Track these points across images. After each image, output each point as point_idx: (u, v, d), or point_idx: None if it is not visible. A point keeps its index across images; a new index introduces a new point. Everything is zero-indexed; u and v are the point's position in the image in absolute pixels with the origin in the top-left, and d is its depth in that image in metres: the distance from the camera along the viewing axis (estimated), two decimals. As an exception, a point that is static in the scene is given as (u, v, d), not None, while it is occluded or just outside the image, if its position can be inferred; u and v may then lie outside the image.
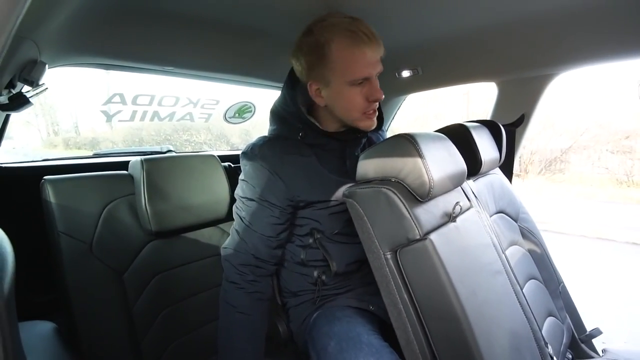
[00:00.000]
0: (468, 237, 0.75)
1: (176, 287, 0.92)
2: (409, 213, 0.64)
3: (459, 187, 0.85)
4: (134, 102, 1.18)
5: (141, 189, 0.85)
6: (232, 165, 1.17)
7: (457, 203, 0.73)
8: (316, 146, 0.94)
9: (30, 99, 0.68)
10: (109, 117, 1.18)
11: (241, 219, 0.94)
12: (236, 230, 0.94)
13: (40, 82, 0.70)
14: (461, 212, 0.76)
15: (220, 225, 1.04)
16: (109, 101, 1.12)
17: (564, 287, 1.20)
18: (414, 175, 0.65)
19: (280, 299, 1.10)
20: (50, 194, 0.76)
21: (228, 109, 1.50)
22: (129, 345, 0.82)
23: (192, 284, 0.94)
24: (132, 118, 1.27)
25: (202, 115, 1.46)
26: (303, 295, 1.00)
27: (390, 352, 0.75)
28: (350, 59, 0.83)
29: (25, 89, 0.69)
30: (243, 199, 0.94)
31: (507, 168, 1.28)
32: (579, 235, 4.58)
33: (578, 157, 8.29)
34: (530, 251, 1.14)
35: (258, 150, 0.92)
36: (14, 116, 0.89)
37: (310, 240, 0.95)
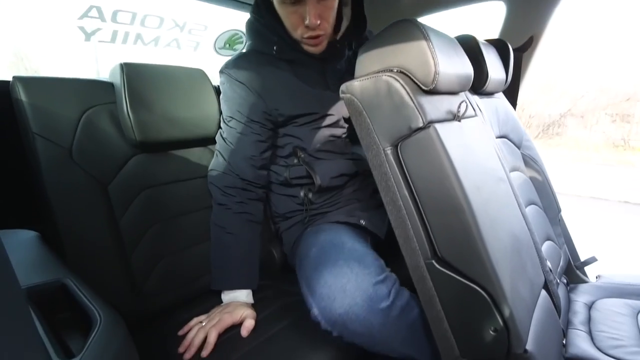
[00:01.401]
0: (473, 140, 0.71)
1: (165, 205, 0.88)
2: (412, 101, 0.59)
3: (464, 96, 0.80)
4: (113, 18, 1.09)
5: (122, 95, 0.79)
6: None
7: (462, 102, 0.68)
8: (293, 62, 0.89)
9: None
10: (87, 35, 1.09)
11: (224, 139, 0.90)
12: (220, 152, 0.91)
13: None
14: (466, 116, 0.71)
15: (211, 147, 0.99)
16: (85, 15, 1.03)
17: (561, 216, 1.19)
18: (418, 61, 0.60)
19: (272, 225, 1.08)
20: (21, 93, 0.70)
21: (218, 38, 1.41)
22: (117, 257, 0.79)
23: (182, 203, 0.91)
24: (114, 40, 1.17)
25: (190, 43, 1.36)
26: (293, 217, 0.97)
27: (375, 258, 0.73)
28: None
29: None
30: (224, 120, 0.91)
31: (511, 94, 1.23)
32: (574, 195, 4.62)
33: (576, 122, 8.23)
34: (531, 178, 1.11)
35: (233, 65, 0.88)
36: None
37: (295, 161, 0.92)
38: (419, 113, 0.58)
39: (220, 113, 0.93)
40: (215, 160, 0.92)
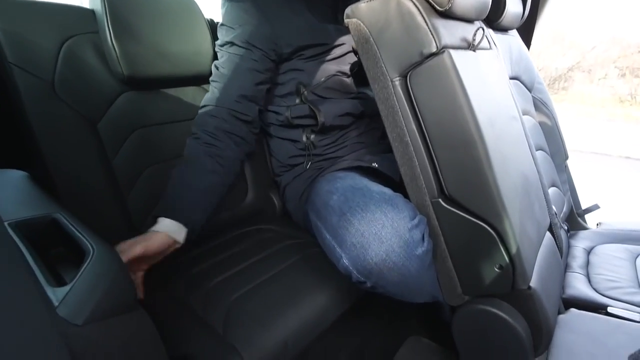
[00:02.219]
0: (487, 73, 0.65)
1: (159, 147, 0.84)
2: (425, 23, 0.53)
3: (480, 27, 0.73)
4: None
5: (105, 24, 0.72)
6: (216, 21, 1.01)
7: (478, 28, 0.61)
8: None
9: None
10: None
11: (217, 68, 0.83)
12: (212, 84, 0.84)
13: None
14: (481, 47, 0.66)
15: (205, 86, 0.93)
16: None
17: (567, 164, 1.16)
18: None
19: (274, 177, 1.05)
20: (-10, 17, 0.63)
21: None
22: (112, 199, 0.76)
23: (177, 145, 0.86)
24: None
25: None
26: (295, 167, 0.93)
27: (406, 200, 0.65)
28: None
29: None
30: (221, 46, 0.83)
31: (526, 34, 1.14)
32: (575, 150, 4.58)
33: (583, 76, 7.96)
34: (541, 123, 1.07)
35: None
36: None
37: (297, 100, 0.86)
38: (433, 36, 0.53)
39: (213, 47, 0.86)
40: (205, 97, 0.84)
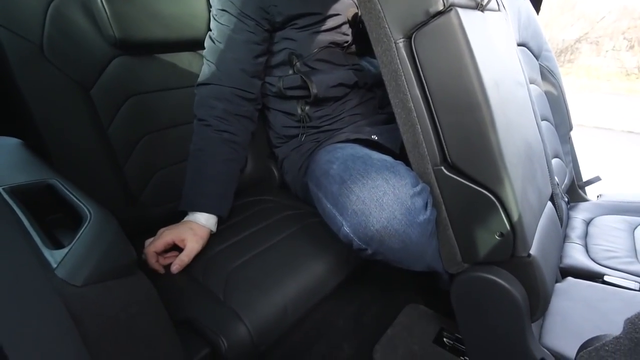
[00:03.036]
0: (495, 35, 0.63)
1: (155, 114, 0.82)
2: None
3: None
4: None
5: (93, -18, 0.68)
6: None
7: None
8: None
9: None
10: None
11: (212, 41, 0.80)
12: (207, 58, 0.81)
13: None
14: (489, 7, 0.62)
15: (201, 52, 0.89)
16: None
17: (571, 135, 1.14)
18: None
19: (272, 149, 1.03)
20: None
21: None
22: (109, 167, 0.75)
23: (174, 113, 0.85)
24: None
25: None
26: (292, 140, 0.92)
27: (407, 168, 0.63)
28: None
29: None
30: (214, 17, 0.80)
31: (536, -1, 1.10)
32: (577, 124, 4.53)
33: (591, 48, 7.73)
34: (547, 92, 1.04)
35: None
36: None
37: (290, 71, 0.84)
38: None
39: (209, 9, 0.83)
40: (202, 70, 0.83)
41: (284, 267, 0.69)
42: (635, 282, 0.77)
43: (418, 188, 0.60)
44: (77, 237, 0.36)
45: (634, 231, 0.95)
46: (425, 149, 0.57)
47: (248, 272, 0.67)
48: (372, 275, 0.89)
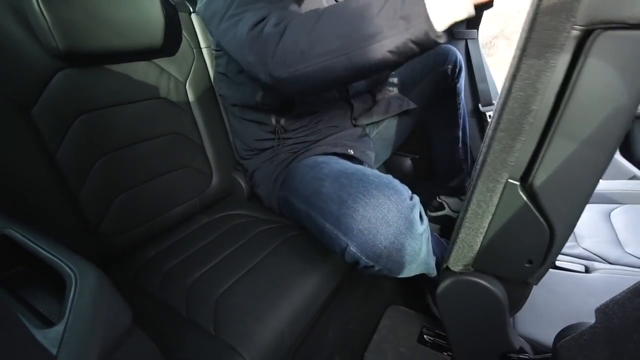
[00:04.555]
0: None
1: (111, 132, 0.73)
2: None
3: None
4: None
5: (26, -16, 0.57)
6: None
7: None
8: None
9: None
10: None
11: (223, 20, 0.68)
12: (235, 39, 0.65)
13: None
14: None
15: (157, 61, 0.81)
16: None
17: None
18: None
19: (240, 160, 0.98)
20: None
21: None
22: (60, 197, 0.66)
23: (130, 131, 0.76)
24: None
25: None
26: (263, 152, 0.88)
27: (400, 183, 0.64)
28: None
29: None
30: (225, 15, 0.68)
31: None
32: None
33: (506, 43, 8.57)
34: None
35: None
36: None
37: None
38: None
39: (164, 13, 0.75)
40: (245, 52, 0.64)
41: (274, 288, 0.66)
42: (580, 264, 0.88)
43: (414, 200, 0.62)
44: (68, 309, 0.30)
45: (609, 217, 1.04)
46: (514, 160, 0.49)
47: (236, 298, 0.64)
48: (353, 282, 0.90)
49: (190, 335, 0.58)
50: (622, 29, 0.37)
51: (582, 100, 0.42)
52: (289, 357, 0.72)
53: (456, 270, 0.61)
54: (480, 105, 1.30)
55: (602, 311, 0.49)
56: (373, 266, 0.61)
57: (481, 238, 0.56)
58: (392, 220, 0.57)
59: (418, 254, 0.60)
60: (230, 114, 0.91)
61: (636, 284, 0.42)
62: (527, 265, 0.54)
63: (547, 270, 0.55)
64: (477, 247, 0.57)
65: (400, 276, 0.65)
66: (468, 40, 1.30)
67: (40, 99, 0.63)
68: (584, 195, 0.47)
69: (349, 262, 0.64)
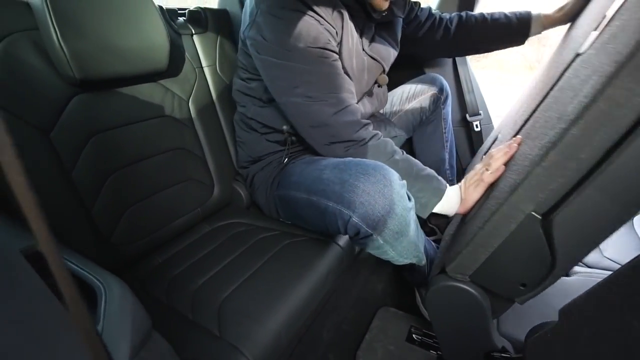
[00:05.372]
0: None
1: (119, 151, 0.79)
2: None
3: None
4: None
5: (47, 21, 0.63)
6: (166, 8, 0.94)
7: None
8: (349, 7, 0.82)
9: None
10: None
11: (293, 89, 0.78)
12: (304, 114, 0.80)
13: None
14: None
15: (162, 82, 0.88)
16: None
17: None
18: None
19: (240, 169, 1.04)
20: None
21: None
22: (76, 212, 0.72)
23: (137, 148, 0.83)
24: None
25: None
26: (267, 157, 0.95)
27: (400, 177, 0.74)
28: None
29: None
30: (282, 63, 0.77)
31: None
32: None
33: (500, 44, 8.66)
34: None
35: None
36: None
37: None
38: None
39: (169, 39, 0.81)
40: (311, 129, 0.82)
41: (272, 292, 0.73)
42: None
43: (403, 181, 0.73)
44: (102, 316, 0.37)
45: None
46: (545, 194, 0.50)
47: (238, 303, 0.70)
48: (346, 285, 0.97)
49: (196, 336, 0.64)
50: None
51: (629, 163, 0.42)
52: (287, 356, 0.78)
53: (452, 276, 0.66)
54: (467, 115, 1.37)
55: (564, 311, 0.55)
56: (371, 234, 0.71)
57: (487, 255, 0.59)
58: (387, 193, 0.68)
59: (408, 225, 0.71)
60: (241, 126, 0.97)
61: (594, 286, 0.48)
62: (520, 287, 0.58)
63: (535, 295, 0.58)
64: (480, 262, 0.60)
65: (394, 253, 0.75)
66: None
67: (58, 123, 0.69)
68: (595, 243, 0.49)
69: (351, 235, 0.74)
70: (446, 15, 1.09)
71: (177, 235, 0.92)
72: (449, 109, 1.18)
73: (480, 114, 1.38)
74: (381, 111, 1.15)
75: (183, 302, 0.71)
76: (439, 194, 0.79)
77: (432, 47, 1.12)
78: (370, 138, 0.80)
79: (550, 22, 0.99)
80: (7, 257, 0.30)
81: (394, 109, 1.15)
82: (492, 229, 0.56)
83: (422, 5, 1.10)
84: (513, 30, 1.02)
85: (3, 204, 0.61)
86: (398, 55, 1.05)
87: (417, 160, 0.83)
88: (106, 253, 0.77)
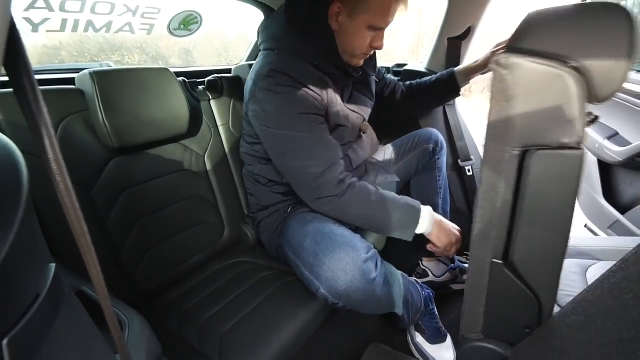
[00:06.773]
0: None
1: (146, 202, 0.95)
2: (579, 111, 0.47)
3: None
4: (62, 8, 1.04)
5: (96, 104, 0.82)
6: (187, 81, 1.13)
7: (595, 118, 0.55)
8: (330, 74, 0.96)
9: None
10: (34, 27, 1.04)
11: (296, 157, 0.89)
12: (296, 171, 0.91)
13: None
14: None
15: (183, 142, 1.05)
16: (31, 6, 0.98)
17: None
18: (607, 62, 0.46)
19: (249, 213, 1.19)
20: (-4, 111, 0.71)
21: (172, 20, 1.37)
22: (107, 256, 0.87)
23: (160, 198, 0.98)
24: (63, 28, 1.12)
25: (143, 27, 1.32)
26: (274, 206, 1.08)
27: (361, 239, 0.86)
28: (387, 6, 0.86)
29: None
30: (287, 137, 0.89)
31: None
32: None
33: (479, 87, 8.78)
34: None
35: (285, 68, 0.88)
36: None
37: None
38: (578, 129, 0.49)
39: (190, 108, 0.99)
40: (300, 189, 0.93)
41: (269, 327, 0.83)
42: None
43: (370, 254, 0.82)
44: (125, 342, 0.49)
45: (585, 273, 1.10)
46: (493, 243, 0.59)
47: (238, 335, 0.81)
48: (338, 321, 1.06)
49: (200, 363, 0.75)
50: (547, 149, 0.50)
51: (532, 199, 0.53)
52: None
53: (469, 338, 0.71)
54: (459, 160, 1.48)
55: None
56: (338, 303, 0.82)
57: (483, 309, 0.65)
58: (349, 270, 0.79)
59: (372, 294, 0.81)
60: (250, 180, 1.12)
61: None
62: (526, 330, 0.62)
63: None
64: (481, 317, 0.67)
65: (366, 312, 0.86)
66: (445, 105, 1.50)
67: (98, 182, 0.86)
68: (554, 268, 0.57)
69: (322, 300, 0.86)
70: (400, 84, 1.30)
71: (191, 272, 1.05)
72: (444, 159, 1.30)
73: (472, 159, 1.48)
74: (380, 159, 1.27)
75: (191, 333, 0.83)
76: (415, 212, 0.91)
77: (395, 105, 1.29)
78: (348, 187, 0.89)
79: (471, 71, 1.17)
80: (69, 296, 0.43)
81: (395, 159, 1.28)
82: (473, 283, 0.64)
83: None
84: (446, 85, 1.22)
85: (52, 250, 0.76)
86: (397, 112, 1.29)
87: (391, 194, 0.93)
88: (130, 289, 0.91)
